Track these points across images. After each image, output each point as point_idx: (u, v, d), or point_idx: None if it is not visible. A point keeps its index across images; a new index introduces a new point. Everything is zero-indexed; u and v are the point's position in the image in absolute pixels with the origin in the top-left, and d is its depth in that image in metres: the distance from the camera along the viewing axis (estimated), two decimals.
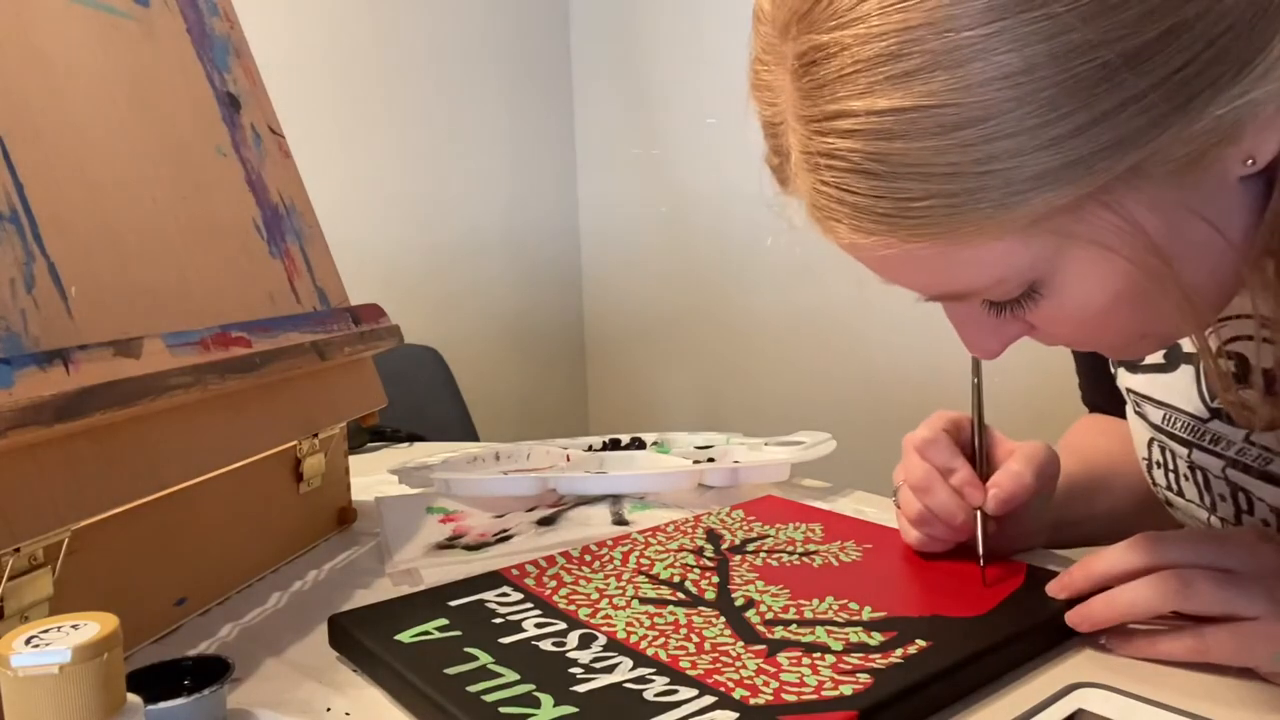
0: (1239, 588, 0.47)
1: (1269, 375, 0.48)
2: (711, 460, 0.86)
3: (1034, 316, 0.44)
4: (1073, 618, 0.51)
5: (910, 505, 0.61)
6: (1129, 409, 0.64)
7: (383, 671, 0.50)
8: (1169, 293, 0.41)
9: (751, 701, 0.43)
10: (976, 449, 0.62)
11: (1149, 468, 0.64)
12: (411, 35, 1.81)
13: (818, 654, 0.48)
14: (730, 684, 0.45)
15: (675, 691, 0.44)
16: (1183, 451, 0.59)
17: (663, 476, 0.82)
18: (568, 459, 0.89)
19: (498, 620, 0.53)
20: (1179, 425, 0.59)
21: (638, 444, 0.94)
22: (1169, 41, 0.35)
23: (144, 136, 0.62)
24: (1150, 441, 0.63)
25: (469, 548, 0.71)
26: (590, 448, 0.93)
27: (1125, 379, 0.62)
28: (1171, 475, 0.62)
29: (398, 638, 0.51)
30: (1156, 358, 0.60)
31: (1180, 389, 0.58)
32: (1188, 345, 0.58)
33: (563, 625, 0.52)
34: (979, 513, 0.58)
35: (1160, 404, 0.60)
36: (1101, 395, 0.75)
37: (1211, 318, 0.48)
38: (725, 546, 0.64)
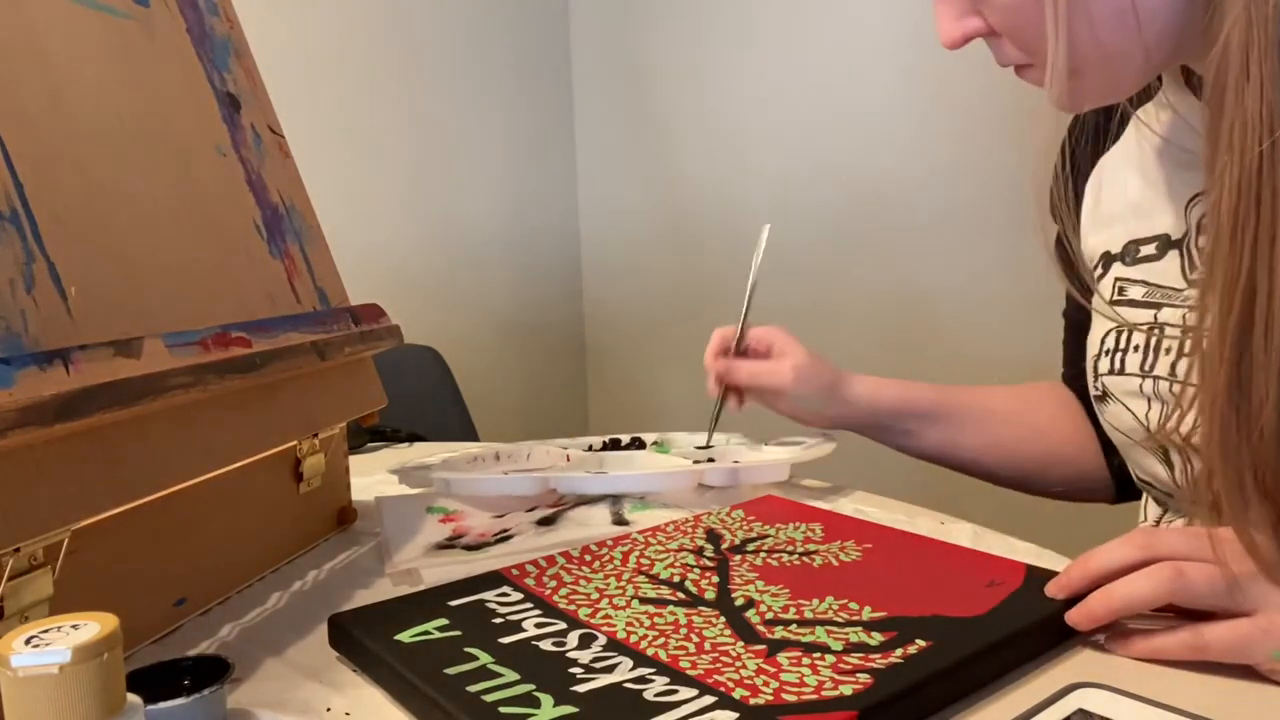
0: (1235, 582, 0.48)
1: None
2: (711, 460, 0.86)
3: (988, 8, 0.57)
4: (1073, 616, 0.51)
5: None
6: (1104, 301, 0.70)
7: (383, 671, 0.50)
8: None
9: (751, 701, 0.43)
10: (735, 342, 0.90)
11: (1096, 360, 0.71)
12: (412, 35, 1.81)
13: (818, 654, 0.48)
14: (730, 684, 0.45)
15: (675, 691, 0.44)
16: (1147, 316, 0.66)
17: (663, 476, 0.82)
18: (568, 459, 0.89)
19: (498, 620, 0.53)
20: (1158, 295, 0.66)
21: (638, 444, 0.94)
22: None
23: (144, 136, 0.62)
24: (1106, 334, 0.70)
25: (469, 548, 0.71)
26: (590, 448, 0.93)
27: (1118, 270, 0.69)
28: (1119, 356, 0.68)
29: (398, 638, 0.51)
30: (1150, 249, 0.68)
31: (1168, 271, 0.66)
32: (1175, 233, 0.66)
33: (563, 625, 0.52)
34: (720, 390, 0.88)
35: (1146, 284, 0.67)
36: (1079, 373, 0.80)
37: (1157, 56, 0.56)
38: (725, 546, 0.64)
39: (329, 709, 0.48)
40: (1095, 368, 0.71)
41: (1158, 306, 0.66)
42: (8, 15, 0.54)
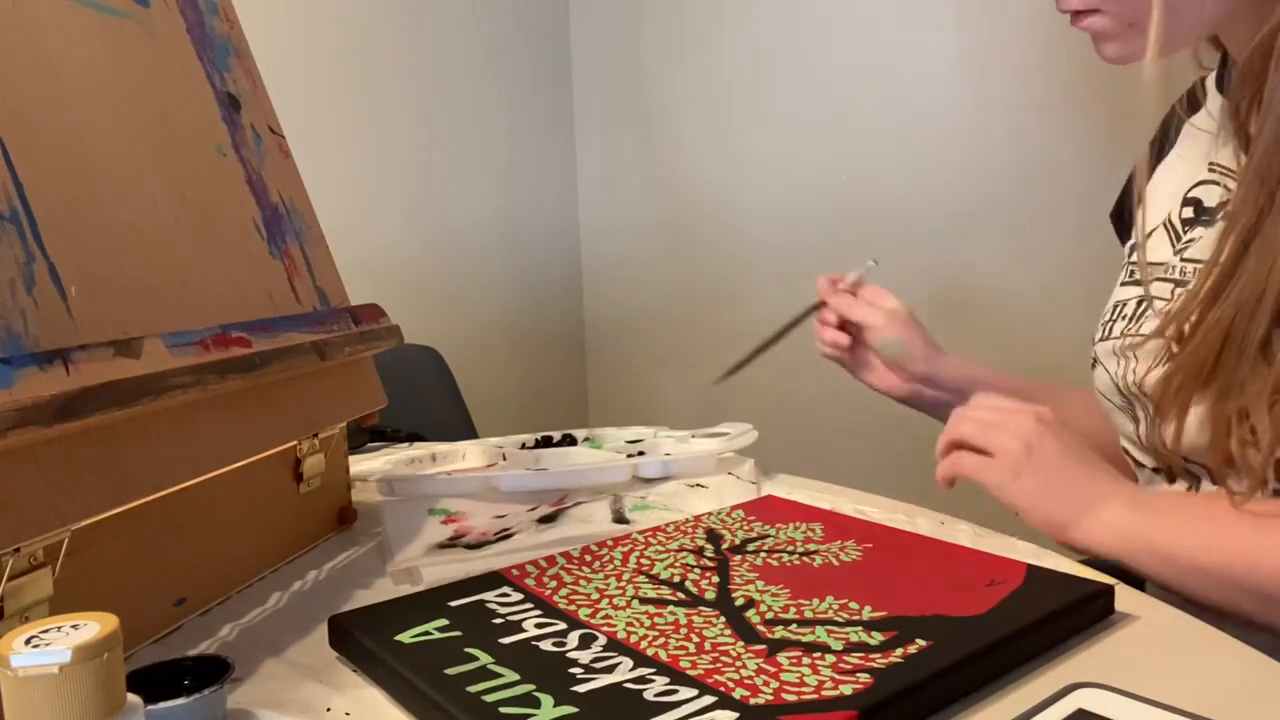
0: (991, 432, 0.66)
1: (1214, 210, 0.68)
2: (642, 454, 0.89)
3: None
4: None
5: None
6: (1118, 284, 0.78)
7: (383, 672, 0.50)
8: None
9: (751, 701, 0.43)
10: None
11: (1101, 325, 0.77)
12: (411, 35, 1.81)
13: (818, 654, 0.48)
14: (730, 684, 0.45)
15: (675, 691, 0.44)
16: (1138, 290, 0.72)
17: (600, 470, 0.85)
18: (504, 457, 0.90)
19: (498, 620, 0.53)
20: (1153, 272, 0.72)
21: (569, 440, 0.96)
22: None
23: (144, 136, 0.62)
24: (1107, 307, 0.77)
25: (470, 546, 0.71)
26: (524, 445, 0.94)
27: (1134, 256, 0.75)
28: (1110, 325, 0.75)
29: (398, 638, 0.51)
30: (1155, 232, 0.74)
31: (1160, 249, 0.73)
32: (1170, 213, 0.73)
33: (563, 625, 0.52)
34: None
35: (1148, 264, 0.73)
36: None
37: (1211, 12, 0.64)
38: (725, 546, 0.64)
39: (329, 709, 0.48)
40: (1094, 339, 0.77)
41: (1149, 282, 0.72)
42: (8, 15, 0.54)
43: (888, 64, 1.53)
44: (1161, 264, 0.72)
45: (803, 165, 1.67)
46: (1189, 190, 0.72)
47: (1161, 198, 0.75)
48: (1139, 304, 0.72)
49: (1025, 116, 1.38)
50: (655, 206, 1.97)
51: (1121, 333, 0.73)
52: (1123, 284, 0.76)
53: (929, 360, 0.92)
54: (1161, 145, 0.79)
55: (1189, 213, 0.72)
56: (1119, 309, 0.75)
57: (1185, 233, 0.71)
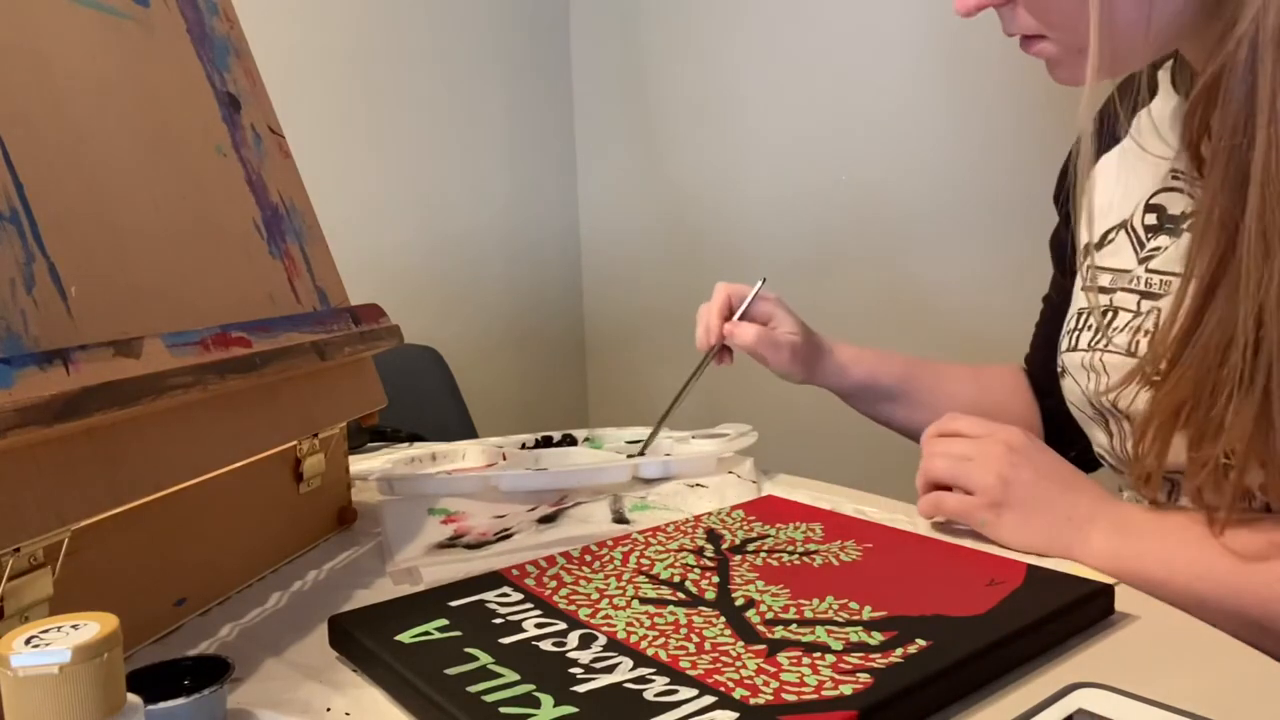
0: (965, 468, 0.67)
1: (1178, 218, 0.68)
2: (642, 454, 0.90)
3: None
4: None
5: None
6: (1077, 289, 0.78)
7: (383, 672, 0.50)
8: None
9: (751, 701, 0.43)
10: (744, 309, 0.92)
11: (1061, 339, 0.78)
12: (411, 35, 1.81)
13: (818, 654, 0.48)
14: (730, 684, 0.45)
15: (675, 691, 0.44)
16: (1106, 299, 0.72)
17: (600, 470, 0.85)
18: (504, 457, 0.90)
19: (498, 620, 0.53)
20: (1118, 282, 0.72)
21: (569, 440, 0.96)
22: None
23: (144, 136, 0.62)
24: (1070, 315, 0.78)
25: (470, 546, 0.71)
26: (524, 445, 0.94)
27: (1094, 258, 0.75)
28: (1077, 334, 0.75)
29: (398, 638, 0.51)
30: (1112, 234, 0.74)
31: (1121, 252, 0.73)
32: (1126, 215, 0.73)
33: (563, 625, 0.52)
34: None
35: (1110, 270, 0.73)
36: (1037, 365, 0.93)
37: (1157, 40, 0.63)
38: (725, 546, 0.64)
39: (329, 709, 0.48)
40: (1060, 346, 0.78)
41: (1113, 291, 0.72)
42: (8, 15, 0.54)
43: (889, 65, 1.53)
44: (1125, 272, 0.72)
45: (803, 165, 1.67)
46: (1151, 196, 0.72)
47: (1117, 197, 0.75)
48: (1105, 315, 0.72)
49: (1023, 116, 1.38)
50: (655, 207, 1.97)
51: (1089, 345, 0.73)
52: (1084, 288, 0.76)
53: (823, 370, 0.94)
54: (1107, 136, 0.78)
55: (1152, 219, 0.71)
56: (1083, 318, 0.75)
57: (1149, 240, 0.71)
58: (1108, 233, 0.75)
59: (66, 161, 0.54)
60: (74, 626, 0.32)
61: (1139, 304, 0.69)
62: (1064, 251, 0.88)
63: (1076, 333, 0.75)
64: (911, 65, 1.50)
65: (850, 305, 1.62)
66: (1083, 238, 0.75)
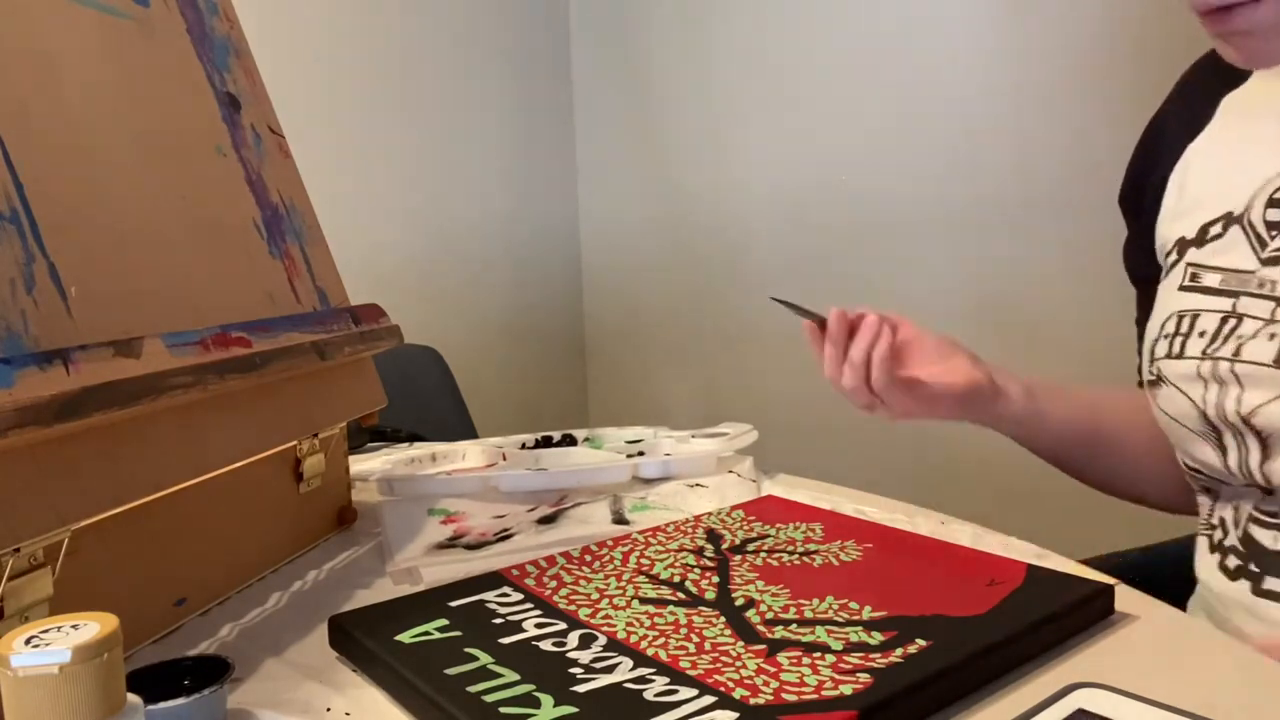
0: None
1: None
2: (642, 454, 0.90)
3: None
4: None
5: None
6: (1174, 287, 0.69)
7: (383, 671, 0.50)
8: None
9: (751, 701, 0.43)
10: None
11: (1154, 344, 0.69)
12: (412, 35, 1.81)
13: (818, 654, 0.48)
14: (730, 684, 0.45)
15: (675, 691, 0.44)
16: (1227, 304, 0.64)
17: (600, 470, 0.85)
18: (504, 458, 0.90)
19: (498, 620, 0.53)
20: (1233, 283, 0.64)
21: (569, 440, 0.96)
22: None
23: (144, 137, 0.62)
24: (1169, 316, 0.68)
25: (470, 546, 0.71)
26: (524, 445, 0.94)
27: (1191, 255, 0.67)
28: (1180, 340, 0.66)
29: (398, 638, 0.51)
30: (1217, 228, 0.66)
31: (1236, 250, 0.64)
32: (1238, 210, 0.65)
33: (563, 625, 0.52)
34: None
35: (1220, 270, 0.65)
36: None
37: None
38: (725, 546, 0.64)
39: (329, 709, 0.48)
40: (1152, 352, 0.69)
41: (1235, 295, 0.64)
42: (8, 15, 0.54)
43: (889, 66, 1.53)
44: (1243, 273, 0.63)
45: (802, 165, 1.67)
46: (1275, 191, 0.64)
47: (1216, 188, 0.68)
48: (1223, 320, 0.63)
49: (1023, 117, 1.38)
50: (655, 207, 1.97)
51: (1205, 353, 0.64)
52: (1182, 288, 0.67)
53: (998, 415, 0.75)
54: (1190, 120, 0.72)
55: (1275, 215, 0.63)
56: (1189, 323, 0.66)
57: (1272, 238, 0.63)
58: (1208, 226, 0.67)
59: (66, 161, 0.54)
60: (74, 626, 0.32)
61: (1274, 311, 0.61)
62: (1141, 259, 0.77)
63: (1178, 338, 0.66)
64: (912, 65, 1.50)
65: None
66: (1174, 232, 0.69)
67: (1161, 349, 0.68)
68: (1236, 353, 0.62)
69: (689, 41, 1.83)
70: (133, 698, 0.33)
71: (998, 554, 0.62)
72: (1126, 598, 0.57)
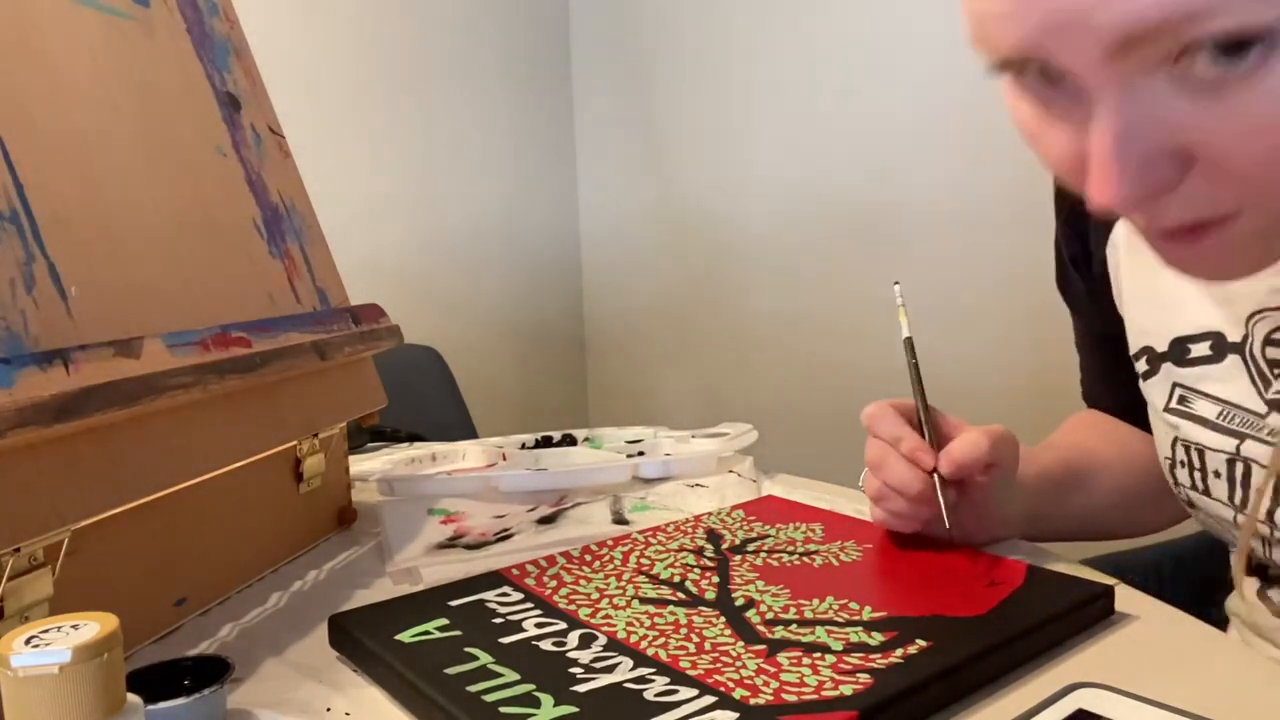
0: None
1: None
2: (642, 454, 0.90)
3: (1222, 108, 0.32)
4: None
5: (870, 483, 0.63)
6: (1158, 406, 0.62)
7: (383, 671, 0.50)
8: None
9: (751, 701, 0.43)
10: (923, 423, 0.62)
11: (1172, 467, 0.62)
12: (412, 35, 1.81)
13: (818, 654, 0.48)
14: (730, 684, 0.45)
15: (675, 691, 0.44)
16: (1230, 444, 0.57)
17: (600, 470, 0.85)
18: (504, 457, 0.90)
19: (498, 620, 0.53)
20: (1235, 420, 0.57)
21: (569, 440, 0.96)
22: None
23: (144, 136, 0.62)
24: (1174, 441, 0.61)
25: (469, 546, 0.71)
26: (524, 445, 0.94)
27: (1172, 373, 0.60)
28: (1198, 474, 0.60)
29: (398, 638, 0.51)
30: (1203, 348, 0.58)
31: (1237, 385, 0.57)
32: (1233, 335, 0.57)
33: (563, 625, 0.52)
34: (936, 479, 0.59)
35: (1217, 400, 0.58)
36: (1103, 392, 0.77)
37: None
38: (725, 546, 0.64)
39: (329, 709, 0.48)
40: (1173, 474, 0.62)
41: (1240, 436, 0.57)
42: (8, 15, 0.54)
43: (890, 67, 1.53)
44: (1254, 414, 0.56)
45: (802, 165, 1.67)
46: (1273, 330, 0.55)
47: (1170, 293, 0.59)
48: (1230, 464, 0.57)
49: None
50: (655, 207, 1.97)
51: (1231, 500, 0.58)
52: (1170, 410, 0.60)
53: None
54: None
55: (1276, 353, 0.55)
56: (1199, 458, 0.59)
57: (1276, 377, 0.55)
58: (1185, 343, 0.59)
59: (66, 161, 0.54)
60: (74, 626, 0.32)
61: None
62: (1076, 288, 0.70)
63: (1196, 472, 0.60)
64: (912, 66, 1.50)
65: (851, 306, 1.62)
66: (1137, 337, 0.62)
67: (1183, 477, 0.61)
68: (1242, 504, 0.57)
69: (689, 42, 1.83)
70: (133, 698, 0.33)
71: (998, 554, 0.62)
72: (1126, 598, 0.56)
